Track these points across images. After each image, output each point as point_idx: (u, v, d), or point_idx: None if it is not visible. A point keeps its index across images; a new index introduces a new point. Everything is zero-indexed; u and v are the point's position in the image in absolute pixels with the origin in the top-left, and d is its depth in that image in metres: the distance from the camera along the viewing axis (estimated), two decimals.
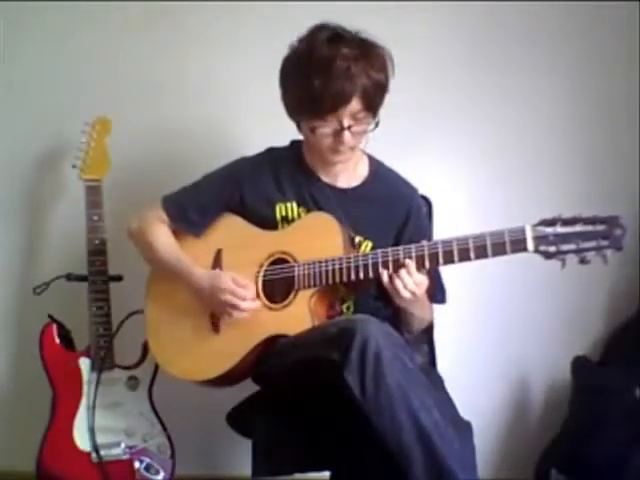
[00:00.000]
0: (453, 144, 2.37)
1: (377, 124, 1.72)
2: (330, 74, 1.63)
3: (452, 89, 2.35)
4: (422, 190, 1.98)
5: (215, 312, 1.77)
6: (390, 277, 1.60)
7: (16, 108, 2.37)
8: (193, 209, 1.85)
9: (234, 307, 1.70)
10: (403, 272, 1.59)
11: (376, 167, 1.88)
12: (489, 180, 2.39)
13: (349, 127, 1.68)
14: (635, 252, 2.30)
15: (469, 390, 2.14)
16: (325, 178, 1.84)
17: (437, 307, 1.85)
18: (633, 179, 2.35)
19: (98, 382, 2.02)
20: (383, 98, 1.73)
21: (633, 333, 2.28)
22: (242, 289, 1.71)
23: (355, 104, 1.66)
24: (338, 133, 1.69)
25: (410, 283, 1.59)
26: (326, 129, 1.69)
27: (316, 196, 1.81)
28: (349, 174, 1.85)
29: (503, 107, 2.37)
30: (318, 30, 1.70)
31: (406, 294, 1.60)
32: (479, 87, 2.36)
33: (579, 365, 2.24)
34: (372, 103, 1.69)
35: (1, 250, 2.38)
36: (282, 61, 1.74)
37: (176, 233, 1.88)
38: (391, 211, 1.82)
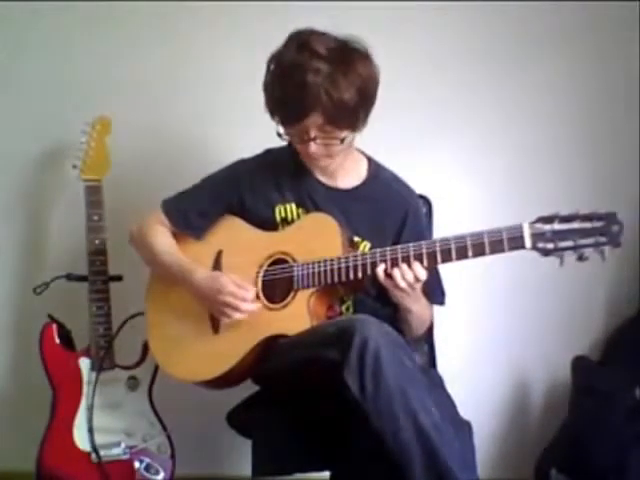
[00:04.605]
0: (453, 144, 2.36)
1: (359, 132, 1.69)
2: (289, 84, 1.60)
3: (453, 89, 2.34)
4: (422, 189, 1.98)
5: (215, 314, 1.77)
6: (385, 270, 1.59)
7: (16, 108, 2.37)
8: (193, 212, 1.85)
9: (234, 309, 1.69)
10: (402, 264, 1.58)
11: (375, 168, 1.87)
12: (489, 180, 2.39)
13: (314, 138, 1.65)
14: (635, 252, 2.30)
15: (469, 390, 2.14)
16: (323, 179, 1.83)
17: (437, 307, 1.85)
18: (633, 179, 2.35)
19: (98, 382, 2.02)
20: (354, 115, 1.64)
21: (633, 333, 2.28)
22: (242, 291, 1.70)
23: (316, 118, 1.61)
24: (305, 142, 1.67)
25: (408, 273, 1.57)
26: (295, 137, 1.68)
27: (315, 197, 1.80)
28: (347, 175, 1.83)
29: (503, 107, 2.37)
30: (294, 36, 1.66)
31: (402, 284, 1.58)
32: (480, 87, 2.35)
33: (579, 365, 2.24)
34: (336, 120, 1.62)
35: (1, 250, 2.38)
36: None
37: (176, 236, 1.88)
38: (389, 212, 1.82)
